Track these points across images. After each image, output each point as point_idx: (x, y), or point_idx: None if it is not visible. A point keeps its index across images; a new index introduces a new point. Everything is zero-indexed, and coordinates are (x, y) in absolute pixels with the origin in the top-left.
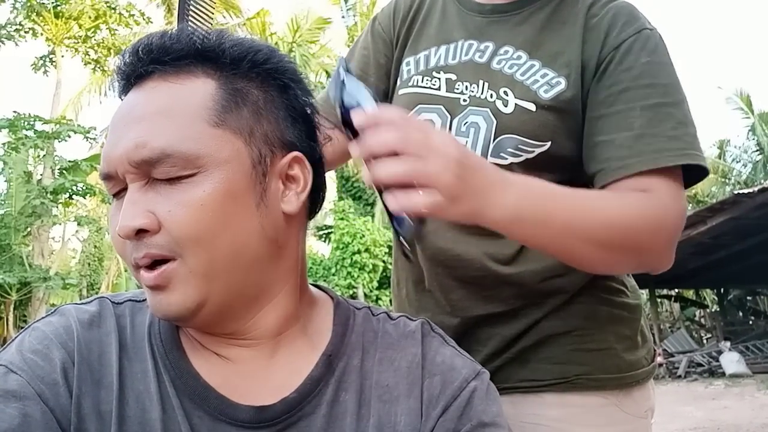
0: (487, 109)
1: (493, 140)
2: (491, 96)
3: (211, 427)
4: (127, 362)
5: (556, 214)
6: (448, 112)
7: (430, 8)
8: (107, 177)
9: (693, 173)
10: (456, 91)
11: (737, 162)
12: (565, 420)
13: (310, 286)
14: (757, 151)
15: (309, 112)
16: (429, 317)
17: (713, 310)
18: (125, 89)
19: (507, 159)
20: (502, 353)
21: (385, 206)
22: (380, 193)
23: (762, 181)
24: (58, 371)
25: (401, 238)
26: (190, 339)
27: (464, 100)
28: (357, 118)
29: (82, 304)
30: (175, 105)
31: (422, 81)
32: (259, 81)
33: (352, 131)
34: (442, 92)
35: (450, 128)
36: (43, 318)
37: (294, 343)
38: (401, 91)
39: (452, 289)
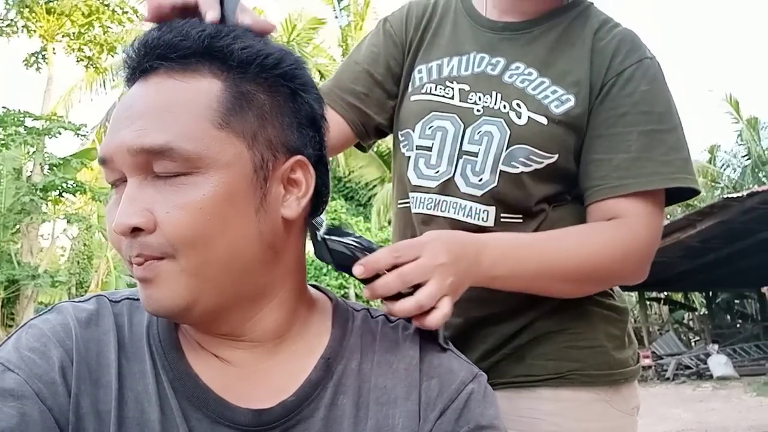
0: (501, 120)
1: (506, 149)
2: (504, 107)
3: (210, 430)
4: (126, 362)
5: (526, 266)
6: (461, 120)
7: (441, 19)
8: (104, 161)
9: (684, 192)
10: (469, 101)
11: (727, 167)
12: (559, 414)
13: (309, 287)
14: (745, 156)
15: (317, 118)
16: None
17: (701, 313)
18: (131, 79)
19: (518, 168)
20: (499, 350)
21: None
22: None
23: (750, 185)
24: (57, 370)
25: (437, 341)
26: (189, 340)
27: (477, 110)
28: (357, 273)
29: (80, 302)
30: (179, 102)
31: (435, 89)
32: (267, 86)
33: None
34: (456, 101)
35: (463, 136)
36: (40, 315)
37: (293, 345)
38: (413, 98)
39: None
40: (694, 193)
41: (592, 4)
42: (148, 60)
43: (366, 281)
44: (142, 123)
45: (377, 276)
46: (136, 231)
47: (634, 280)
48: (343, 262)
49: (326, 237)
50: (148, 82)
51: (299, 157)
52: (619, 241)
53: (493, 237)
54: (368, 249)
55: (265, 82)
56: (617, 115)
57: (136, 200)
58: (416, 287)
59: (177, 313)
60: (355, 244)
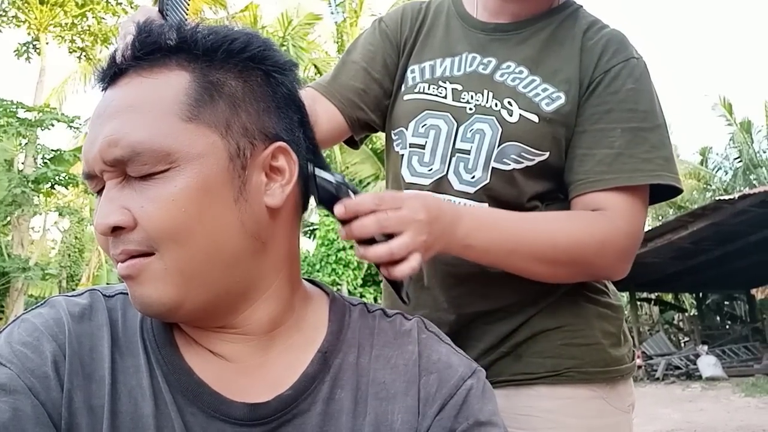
0: (493, 117)
1: (498, 146)
2: (496, 105)
3: (205, 424)
4: (119, 356)
5: (499, 240)
6: (454, 119)
7: (433, 21)
8: (88, 176)
9: (666, 191)
10: (462, 100)
11: (719, 169)
12: (556, 411)
13: (304, 282)
14: (737, 158)
15: (297, 98)
16: (426, 314)
17: (692, 314)
18: (103, 86)
19: (509, 165)
20: (497, 348)
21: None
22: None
23: (742, 188)
24: (49, 364)
25: (399, 294)
26: (183, 334)
27: (470, 109)
28: (338, 212)
29: (73, 296)
30: (147, 100)
31: (428, 88)
32: (238, 71)
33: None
34: (449, 101)
35: (456, 134)
36: (32, 309)
37: (289, 339)
38: (407, 97)
39: (451, 286)
40: (677, 192)
41: (581, 6)
42: (117, 63)
43: (343, 223)
44: (111, 128)
45: (354, 220)
46: (117, 230)
47: (613, 274)
48: (326, 199)
49: (316, 172)
50: (118, 84)
51: (280, 143)
52: (597, 229)
53: (471, 209)
54: (353, 191)
55: (235, 67)
56: (602, 112)
57: (115, 200)
58: (389, 238)
59: (165, 311)
60: (342, 185)
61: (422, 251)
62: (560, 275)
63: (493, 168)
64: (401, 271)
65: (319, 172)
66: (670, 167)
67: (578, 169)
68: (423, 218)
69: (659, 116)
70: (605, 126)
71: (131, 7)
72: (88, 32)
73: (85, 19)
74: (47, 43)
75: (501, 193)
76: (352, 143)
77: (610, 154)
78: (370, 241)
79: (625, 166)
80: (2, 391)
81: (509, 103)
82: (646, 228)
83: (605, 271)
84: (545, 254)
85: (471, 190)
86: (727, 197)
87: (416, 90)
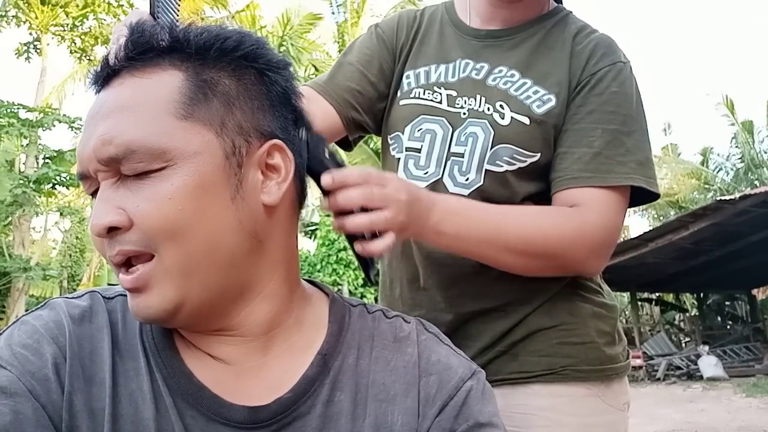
0: (485, 121)
1: (491, 149)
2: (488, 109)
3: (205, 427)
4: (120, 359)
5: (470, 228)
6: (449, 124)
7: (427, 28)
8: (82, 177)
9: (646, 194)
10: (456, 106)
11: (720, 170)
12: (552, 409)
13: (303, 282)
14: (739, 158)
15: (291, 97)
16: (423, 314)
17: (692, 314)
18: (97, 88)
19: (502, 167)
20: (493, 347)
21: (353, 250)
22: (348, 238)
23: (743, 188)
24: (50, 367)
25: (368, 272)
26: (182, 338)
27: (464, 114)
28: (325, 182)
29: (73, 298)
30: (141, 99)
31: (424, 94)
32: (231, 69)
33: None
34: (444, 106)
35: (451, 139)
36: (32, 311)
37: (288, 340)
38: (402, 102)
39: (448, 286)
40: (655, 196)
41: (571, 12)
42: (110, 64)
43: (327, 194)
44: (105, 127)
45: (339, 191)
46: (113, 231)
47: (586, 268)
48: (314, 168)
49: (308, 139)
50: (111, 85)
51: (275, 141)
52: (570, 223)
53: (445, 197)
54: (341, 165)
55: (228, 66)
56: (585, 112)
57: (109, 200)
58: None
59: (165, 317)
60: (330, 156)
61: (397, 231)
62: (531, 267)
63: (486, 170)
64: (376, 246)
65: (312, 138)
66: (644, 171)
67: (558, 167)
68: (404, 198)
69: (638, 121)
70: (587, 126)
71: (132, 9)
72: (88, 33)
73: (86, 20)
74: (47, 44)
75: (494, 194)
76: (346, 144)
77: (588, 153)
78: (348, 215)
79: (602, 167)
80: (3, 393)
81: (501, 106)
82: (647, 228)
83: (577, 265)
84: (515, 245)
85: (465, 192)
86: (728, 197)
87: (412, 95)
